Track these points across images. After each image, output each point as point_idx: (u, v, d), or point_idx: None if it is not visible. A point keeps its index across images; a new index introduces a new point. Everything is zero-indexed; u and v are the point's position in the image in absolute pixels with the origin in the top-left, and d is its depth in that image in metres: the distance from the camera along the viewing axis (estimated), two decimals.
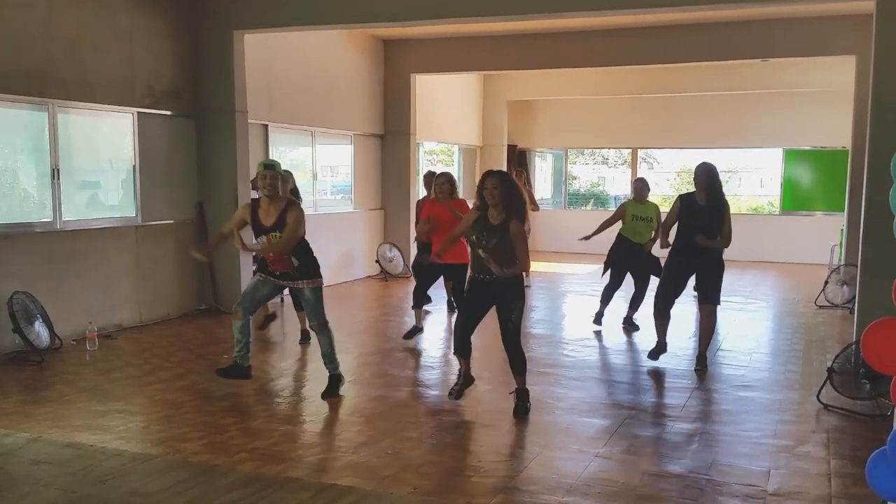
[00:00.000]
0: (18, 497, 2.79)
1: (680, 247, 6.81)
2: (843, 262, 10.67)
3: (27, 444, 3.56)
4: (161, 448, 4.93)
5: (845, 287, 9.97)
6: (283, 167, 11.31)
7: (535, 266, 11.94)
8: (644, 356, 7.49)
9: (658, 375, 6.90)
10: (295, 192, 8.24)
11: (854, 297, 8.22)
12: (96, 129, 8.62)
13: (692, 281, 7.02)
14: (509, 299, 5.56)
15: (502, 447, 5.10)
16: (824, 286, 10.37)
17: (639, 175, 9.27)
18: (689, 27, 11.57)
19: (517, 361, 5.70)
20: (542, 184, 18.83)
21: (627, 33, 11.92)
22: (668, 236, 7.02)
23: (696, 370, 6.91)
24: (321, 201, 12.16)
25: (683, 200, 6.85)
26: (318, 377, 6.97)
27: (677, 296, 7.04)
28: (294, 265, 5.92)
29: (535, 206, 12.21)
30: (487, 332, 8.94)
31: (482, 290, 5.61)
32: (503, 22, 11.18)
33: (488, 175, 5.52)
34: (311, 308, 6.09)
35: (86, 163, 8.58)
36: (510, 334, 5.63)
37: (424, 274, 8.30)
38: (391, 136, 13.47)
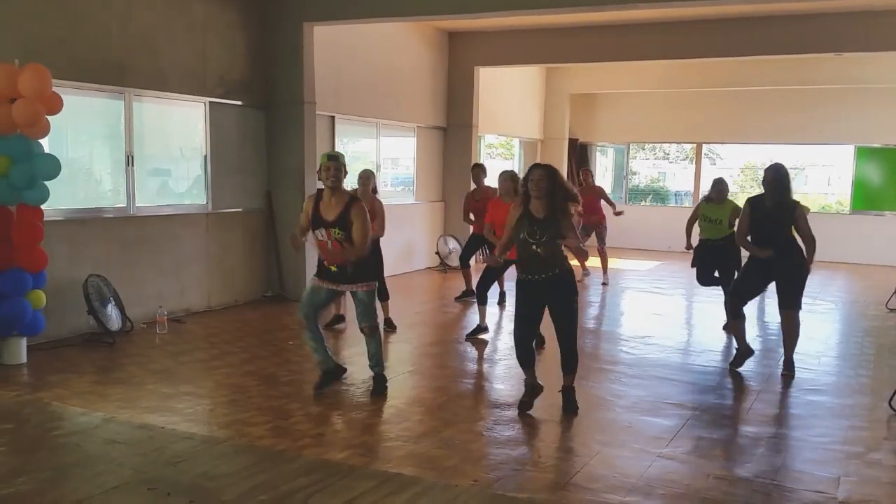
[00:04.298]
0: (94, 475, 2.90)
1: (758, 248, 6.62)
2: None
3: (102, 424, 3.70)
4: (227, 431, 5.05)
5: None
6: (348, 159, 11.51)
7: (595, 262, 11.87)
8: (707, 355, 7.41)
9: (722, 376, 6.79)
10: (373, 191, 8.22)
11: None
12: (169, 118, 8.84)
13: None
14: (566, 296, 5.42)
15: (563, 443, 5.08)
16: None
17: (718, 175, 8.90)
18: (758, 19, 11.31)
19: (571, 361, 5.57)
20: (601, 179, 18.64)
21: (694, 26, 11.71)
22: (744, 241, 6.77)
23: (782, 374, 6.70)
24: (383, 192, 12.24)
25: (752, 204, 6.66)
26: None
27: (752, 297, 6.87)
28: (349, 264, 5.67)
29: (612, 204, 11.91)
30: (547, 328, 8.93)
31: (534, 291, 5.41)
32: (569, 14, 11.09)
33: (535, 167, 5.42)
34: (364, 309, 5.85)
35: (159, 150, 8.81)
36: (569, 334, 5.48)
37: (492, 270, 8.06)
38: (453, 129, 13.49)
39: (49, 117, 6.41)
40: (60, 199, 7.26)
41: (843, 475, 4.55)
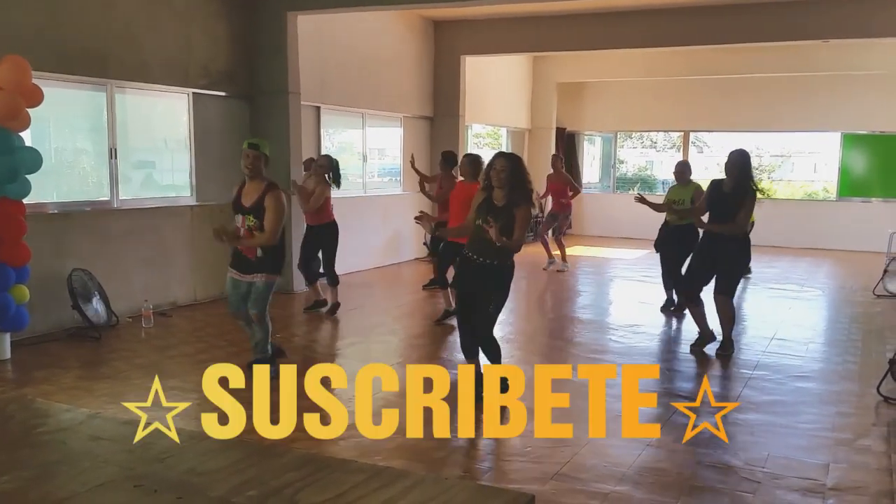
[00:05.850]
0: (79, 473, 2.83)
1: (706, 231, 6.86)
2: None
3: (87, 420, 3.62)
4: None
5: None
6: (332, 150, 11.47)
7: (582, 251, 11.88)
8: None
9: (710, 364, 6.79)
10: (336, 174, 8.18)
11: None
12: (152, 110, 8.75)
13: None
14: (492, 286, 5.36)
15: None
16: (883, 275, 10.10)
17: (682, 159, 9.15)
18: (745, 7, 11.28)
19: (492, 352, 5.49)
20: (588, 168, 18.64)
21: (681, 13, 11.68)
22: (697, 216, 7.04)
23: (717, 354, 6.86)
24: (370, 183, 12.20)
25: (712, 185, 6.86)
26: (365, 356, 7.03)
27: (704, 282, 6.94)
28: (257, 255, 5.72)
29: (576, 190, 12.18)
30: (534, 318, 8.93)
31: (468, 270, 5.41)
32: (555, 2, 11.04)
33: (498, 156, 5.40)
34: (257, 297, 5.81)
35: (142, 142, 8.72)
36: (483, 322, 5.40)
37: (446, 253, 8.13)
38: (440, 119, 13.43)
39: (30, 110, 6.32)
40: (43, 192, 7.17)
41: (833, 462, 4.56)
